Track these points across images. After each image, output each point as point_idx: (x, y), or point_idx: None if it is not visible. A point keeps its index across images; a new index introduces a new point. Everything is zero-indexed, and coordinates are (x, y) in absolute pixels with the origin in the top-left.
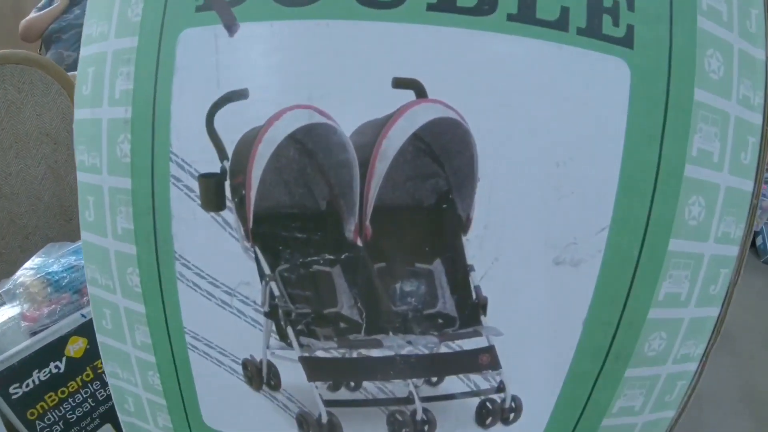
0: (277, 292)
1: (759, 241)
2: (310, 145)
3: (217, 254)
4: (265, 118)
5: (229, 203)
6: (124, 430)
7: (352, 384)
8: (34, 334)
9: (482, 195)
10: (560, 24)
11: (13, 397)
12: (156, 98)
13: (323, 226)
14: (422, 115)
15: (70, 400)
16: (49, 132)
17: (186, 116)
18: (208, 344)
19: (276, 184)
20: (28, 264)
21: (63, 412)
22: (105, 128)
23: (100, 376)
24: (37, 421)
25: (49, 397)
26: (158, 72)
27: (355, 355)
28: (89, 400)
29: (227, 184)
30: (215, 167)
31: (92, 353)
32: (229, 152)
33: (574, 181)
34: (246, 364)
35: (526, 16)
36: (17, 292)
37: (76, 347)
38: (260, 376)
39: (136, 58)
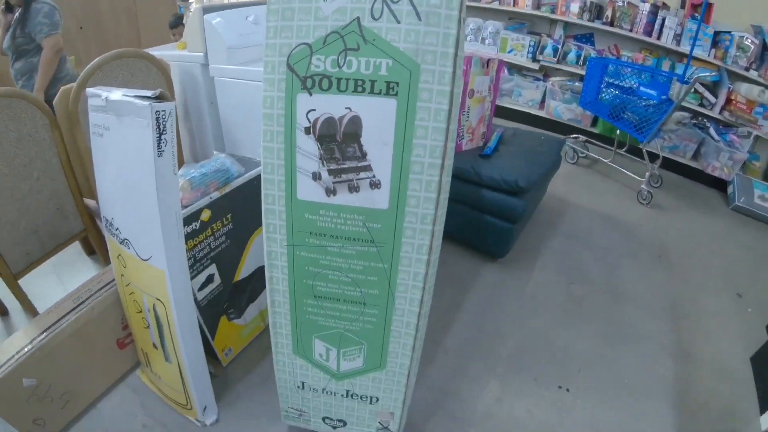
0: (321, 152)
1: (730, 189)
2: (330, 122)
3: (307, 144)
4: (319, 114)
5: (311, 133)
6: (264, 199)
7: (340, 176)
8: (185, 207)
9: (364, 131)
10: (380, 92)
11: None
12: (292, 110)
13: (332, 137)
14: (351, 115)
15: (198, 246)
16: None
17: (300, 114)
18: (303, 169)
19: (323, 128)
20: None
21: (194, 252)
22: (275, 115)
23: (214, 233)
24: None
25: (190, 242)
26: (292, 103)
27: (340, 167)
28: (206, 248)
29: (310, 129)
30: (307, 125)
31: (213, 219)
32: (310, 122)
33: (383, 129)
34: (313, 173)
35: (372, 91)
36: None
37: (205, 215)
38: (316, 177)
39: (285, 98)
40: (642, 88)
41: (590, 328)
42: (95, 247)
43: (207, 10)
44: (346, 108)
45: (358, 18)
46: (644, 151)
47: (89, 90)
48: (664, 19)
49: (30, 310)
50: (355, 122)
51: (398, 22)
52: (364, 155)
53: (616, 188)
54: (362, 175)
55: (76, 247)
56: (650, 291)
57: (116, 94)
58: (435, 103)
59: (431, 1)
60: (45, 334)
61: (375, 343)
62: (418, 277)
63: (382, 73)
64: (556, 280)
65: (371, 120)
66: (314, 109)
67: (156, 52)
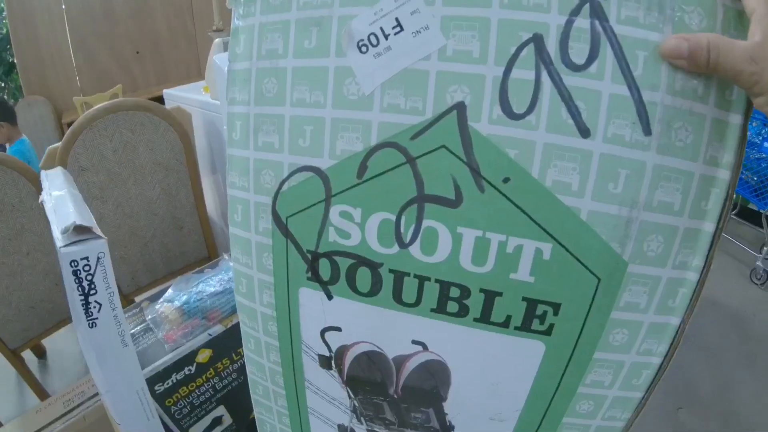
0: (355, 404)
1: None
2: (373, 359)
3: (324, 382)
4: (351, 342)
5: (333, 368)
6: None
7: None
8: (175, 349)
9: (452, 391)
10: (504, 324)
11: (157, 392)
12: (290, 314)
13: (378, 387)
14: (427, 358)
15: (196, 390)
16: (161, 161)
17: (310, 331)
18: (319, 414)
19: (356, 367)
20: (165, 296)
21: (191, 399)
22: (259, 319)
23: (219, 373)
24: (172, 407)
25: (182, 389)
26: (289, 301)
27: None
28: (210, 390)
29: (331, 361)
30: (325, 352)
31: (215, 359)
32: (331, 351)
33: (502, 393)
34: (339, 425)
35: (484, 319)
36: (159, 320)
37: (203, 356)
38: None
39: (274, 288)
40: (766, 144)
41: None
42: None
43: (227, 45)
44: (416, 343)
45: (460, 105)
46: (764, 218)
47: (43, 173)
48: None
49: (34, 387)
50: (434, 372)
51: (585, 134)
52: (448, 429)
53: (725, 262)
54: None
55: None
56: None
57: (51, 198)
58: (636, 352)
59: (682, 83)
60: None
61: None
62: None
63: (518, 276)
64: (662, 404)
65: (474, 373)
66: (339, 329)
67: (180, 93)
